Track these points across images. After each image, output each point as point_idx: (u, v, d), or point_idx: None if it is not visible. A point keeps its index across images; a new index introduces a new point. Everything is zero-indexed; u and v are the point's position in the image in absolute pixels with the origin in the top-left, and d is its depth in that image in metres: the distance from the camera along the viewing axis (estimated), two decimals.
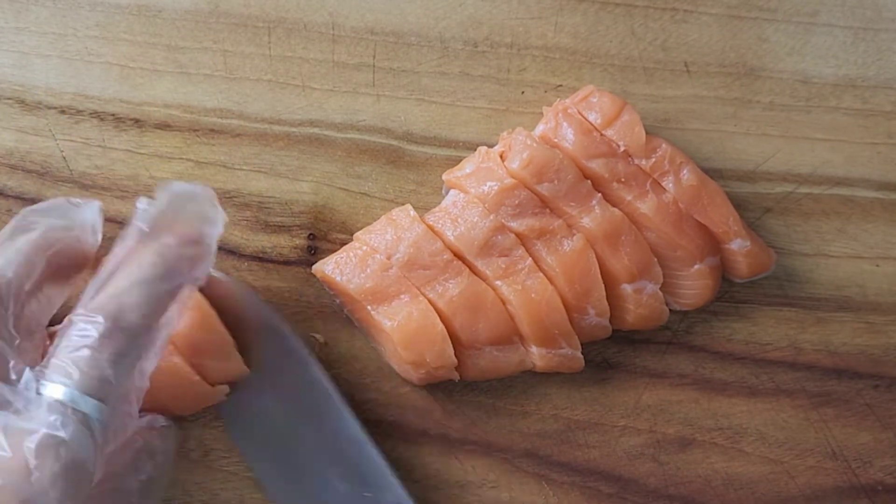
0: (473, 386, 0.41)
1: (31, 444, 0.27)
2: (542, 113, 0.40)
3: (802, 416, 0.41)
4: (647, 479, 0.41)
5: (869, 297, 0.41)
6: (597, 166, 0.37)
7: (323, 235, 0.41)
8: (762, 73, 0.41)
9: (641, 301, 0.38)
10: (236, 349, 0.37)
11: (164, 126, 0.41)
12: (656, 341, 0.41)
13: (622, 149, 0.38)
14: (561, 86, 0.41)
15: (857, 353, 0.41)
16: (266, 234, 0.41)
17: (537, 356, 0.38)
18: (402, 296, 0.37)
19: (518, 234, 0.37)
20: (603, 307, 0.37)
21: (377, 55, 0.41)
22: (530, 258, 0.37)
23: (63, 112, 0.41)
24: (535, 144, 0.37)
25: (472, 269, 0.37)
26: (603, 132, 0.38)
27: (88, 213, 0.34)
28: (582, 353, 0.38)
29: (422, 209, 0.41)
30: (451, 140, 0.41)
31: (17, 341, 0.30)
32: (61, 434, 0.27)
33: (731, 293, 0.41)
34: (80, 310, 0.30)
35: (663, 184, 0.38)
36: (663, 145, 0.38)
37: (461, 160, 0.40)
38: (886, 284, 0.41)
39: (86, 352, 0.29)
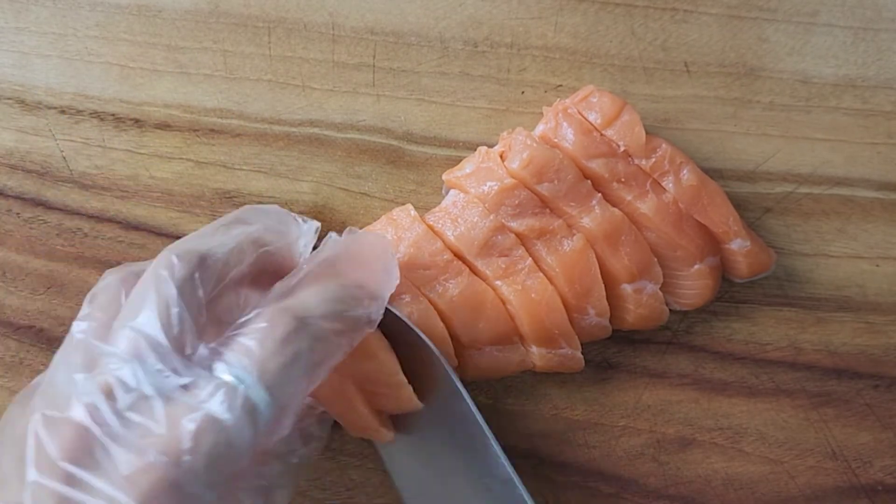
0: (473, 386, 0.41)
1: (190, 423, 0.26)
2: (542, 113, 0.40)
3: (802, 416, 0.41)
4: (647, 479, 0.41)
5: (869, 297, 0.41)
6: (597, 166, 0.37)
7: (323, 235, 0.41)
8: (762, 73, 0.41)
9: (641, 301, 0.38)
10: (408, 383, 0.36)
11: (164, 126, 0.41)
12: (656, 341, 0.41)
13: (622, 149, 0.38)
14: (561, 86, 0.41)
15: (857, 353, 0.41)
16: None
17: (537, 356, 0.38)
18: (403, 296, 0.37)
19: (518, 234, 0.37)
20: (603, 307, 0.37)
21: (377, 55, 0.41)
22: (530, 258, 0.37)
23: (63, 112, 0.41)
24: (534, 144, 0.37)
25: (473, 269, 0.37)
26: (603, 132, 0.38)
27: (305, 230, 0.34)
28: (582, 353, 0.38)
29: (422, 209, 0.41)
30: (451, 140, 0.41)
31: (204, 320, 0.29)
32: (225, 417, 0.26)
33: (731, 293, 0.41)
34: (268, 306, 0.30)
35: (663, 184, 0.38)
36: (663, 145, 0.38)
37: (461, 160, 0.40)
38: (886, 284, 0.41)
39: (269, 344, 0.28)
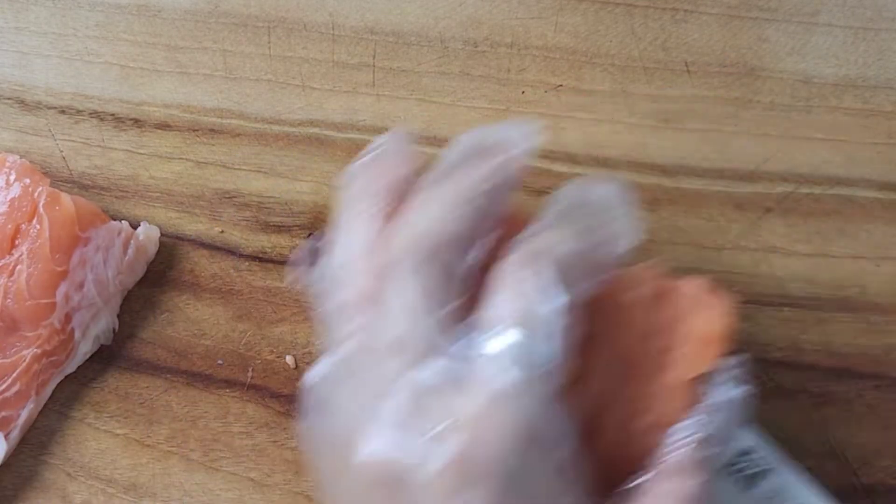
0: None
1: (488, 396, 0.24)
2: (542, 113, 0.40)
3: (803, 416, 0.41)
4: None
5: (870, 297, 0.41)
6: None
7: (323, 235, 0.41)
8: (762, 73, 0.41)
9: None
10: None
11: (163, 126, 0.41)
12: None
13: None
14: (561, 86, 0.41)
15: (858, 354, 0.41)
16: (266, 234, 0.41)
17: None
18: None
19: None
20: None
21: (377, 55, 0.41)
22: None
23: (63, 112, 0.41)
24: None
25: None
26: None
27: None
28: None
29: None
30: (451, 140, 0.41)
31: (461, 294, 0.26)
32: (523, 375, 0.24)
33: (731, 293, 0.41)
34: (517, 255, 0.26)
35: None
36: None
37: None
38: (887, 285, 0.41)
39: (532, 291, 0.25)
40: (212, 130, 0.41)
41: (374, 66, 0.41)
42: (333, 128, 0.41)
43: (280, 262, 0.41)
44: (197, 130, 0.41)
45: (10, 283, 0.36)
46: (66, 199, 0.37)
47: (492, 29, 0.41)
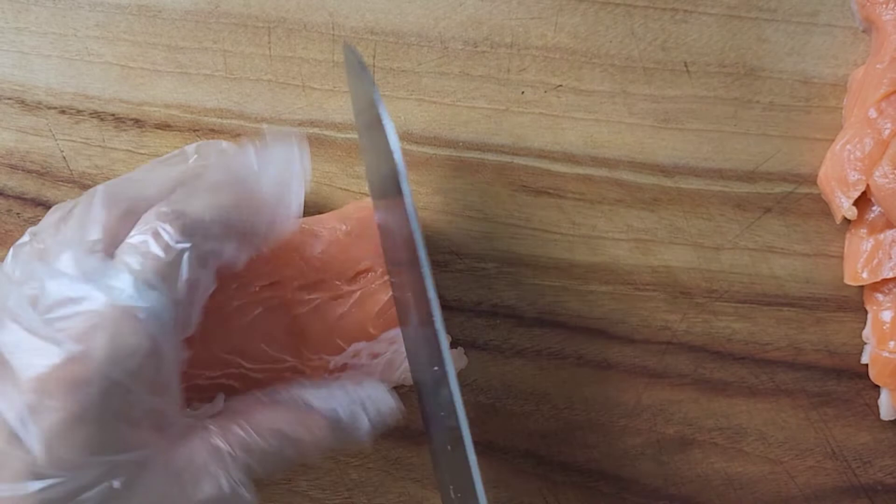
0: (473, 386, 0.41)
1: (96, 316, 0.28)
2: (542, 113, 0.40)
3: (802, 416, 0.41)
4: (647, 479, 0.41)
5: None
6: None
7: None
8: (762, 73, 0.41)
9: None
10: None
11: (164, 126, 0.41)
12: (656, 341, 0.41)
13: None
14: (561, 86, 0.41)
15: (857, 353, 0.41)
16: None
17: None
18: None
19: None
20: None
21: (377, 55, 0.41)
22: None
23: (63, 112, 0.41)
24: None
25: None
26: None
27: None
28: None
29: (422, 209, 0.41)
30: (451, 140, 0.41)
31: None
32: (130, 306, 0.28)
33: (731, 293, 0.41)
34: (157, 208, 0.31)
35: None
36: None
37: (461, 160, 0.40)
38: None
39: (156, 244, 0.30)
40: (212, 130, 0.41)
41: (374, 66, 0.41)
42: (333, 128, 0.41)
43: None
44: (197, 130, 0.41)
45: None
46: None
47: (492, 29, 0.41)
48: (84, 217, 0.31)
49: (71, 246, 0.30)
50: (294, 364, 0.37)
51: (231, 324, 0.37)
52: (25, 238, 0.32)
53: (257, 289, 0.37)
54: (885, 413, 0.40)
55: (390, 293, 0.37)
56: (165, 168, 0.34)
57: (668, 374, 0.41)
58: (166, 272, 0.29)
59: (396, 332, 0.37)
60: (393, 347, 0.37)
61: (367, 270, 0.38)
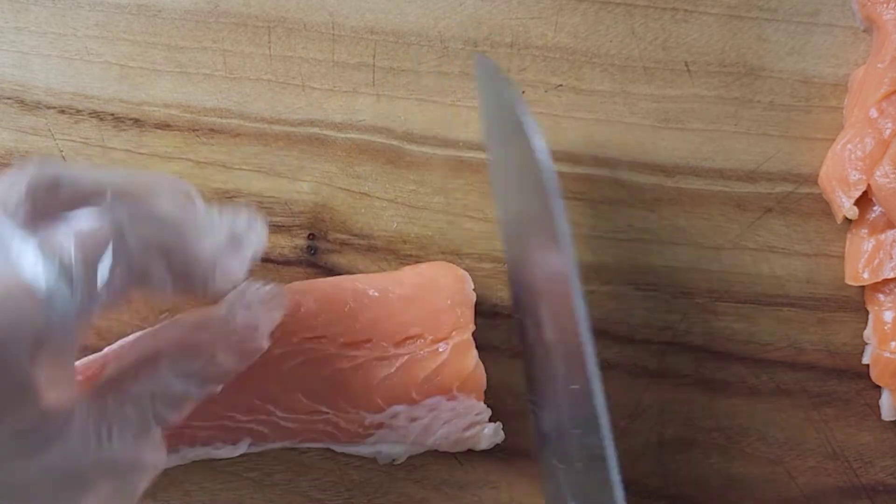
0: None
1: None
2: (542, 112, 0.40)
3: (803, 416, 0.41)
4: (647, 480, 0.40)
5: None
6: None
7: (323, 235, 0.41)
8: (762, 72, 0.41)
9: None
10: None
11: (163, 126, 0.41)
12: (656, 341, 0.41)
13: None
14: (561, 85, 0.41)
15: (858, 353, 0.41)
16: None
17: None
18: None
19: None
20: None
21: (377, 55, 0.41)
22: None
23: (62, 112, 0.41)
24: None
25: None
26: None
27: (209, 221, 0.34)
28: None
29: (422, 209, 0.41)
30: (451, 140, 0.41)
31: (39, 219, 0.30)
32: (38, 283, 0.27)
33: (730, 293, 0.41)
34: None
35: None
36: None
37: (461, 160, 0.40)
38: None
39: (86, 240, 0.29)
40: (212, 130, 0.41)
41: (374, 66, 0.41)
42: (333, 128, 0.41)
43: (280, 262, 0.41)
44: (197, 130, 0.41)
45: None
46: None
47: (492, 29, 0.41)
48: (12, 179, 0.30)
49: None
50: (329, 416, 0.37)
51: (268, 371, 0.36)
52: None
53: (299, 339, 0.37)
54: (886, 413, 0.40)
55: (439, 361, 0.37)
56: (111, 169, 0.34)
57: (668, 374, 0.41)
58: (86, 267, 0.29)
59: (438, 400, 0.37)
60: (432, 414, 0.37)
61: (416, 336, 0.38)
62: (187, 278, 0.32)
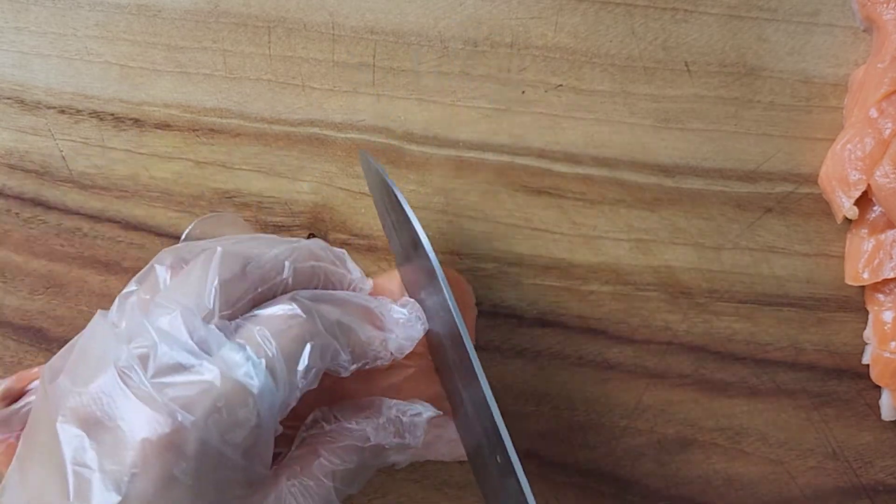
0: None
1: (211, 387, 0.28)
2: (542, 112, 0.40)
3: (803, 416, 0.41)
4: (647, 480, 0.40)
5: None
6: None
7: (323, 235, 0.41)
8: (763, 72, 0.41)
9: None
10: None
11: (163, 126, 0.41)
12: (656, 341, 0.41)
13: None
14: (561, 85, 0.41)
15: (858, 354, 0.41)
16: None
17: None
18: None
19: None
20: None
21: (377, 55, 0.41)
22: None
23: (62, 112, 0.41)
24: None
25: None
26: None
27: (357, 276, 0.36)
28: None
29: (421, 209, 0.41)
30: (451, 140, 0.41)
31: (237, 313, 0.31)
32: (248, 382, 0.29)
33: (731, 293, 0.41)
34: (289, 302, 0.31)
35: None
36: None
37: (461, 160, 0.40)
38: None
39: (283, 328, 0.30)
40: (212, 130, 0.41)
41: (374, 65, 0.41)
42: (333, 128, 0.41)
43: None
44: (197, 130, 0.41)
45: None
46: None
47: (492, 29, 0.41)
48: (200, 278, 0.30)
49: (185, 307, 0.30)
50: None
51: None
52: (131, 287, 0.32)
53: None
54: (886, 413, 0.40)
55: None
56: (277, 240, 0.34)
57: (668, 374, 0.41)
58: (287, 361, 0.30)
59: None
60: (435, 432, 0.37)
61: (421, 353, 0.37)
62: (363, 357, 0.33)
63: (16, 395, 0.35)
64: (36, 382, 0.35)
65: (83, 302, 0.41)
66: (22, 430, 0.34)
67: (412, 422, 0.35)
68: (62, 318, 0.41)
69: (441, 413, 0.36)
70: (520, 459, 0.41)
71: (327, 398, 0.36)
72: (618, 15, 0.41)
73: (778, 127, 0.41)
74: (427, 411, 0.35)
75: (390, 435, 0.34)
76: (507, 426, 0.40)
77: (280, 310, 0.31)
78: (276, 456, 0.32)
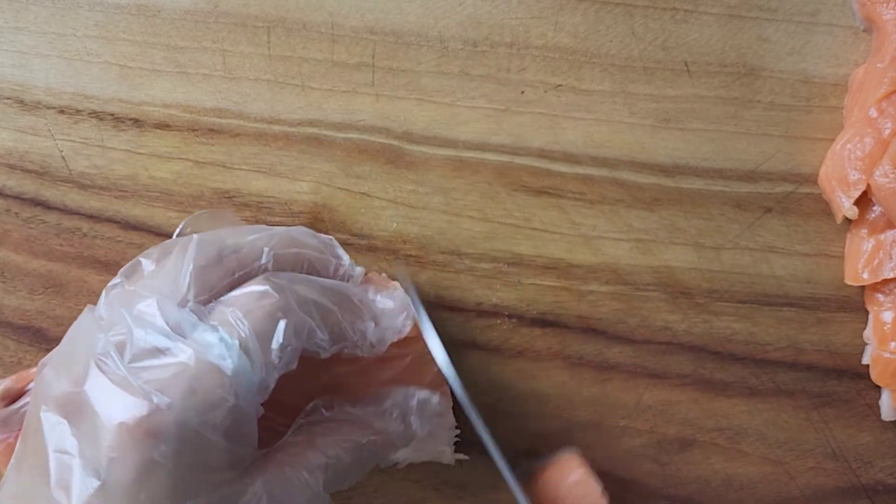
0: (473, 387, 0.40)
1: (187, 369, 0.29)
2: (542, 112, 0.40)
3: (803, 416, 0.41)
4: (647, 480, 0.40)
5: None
6: None
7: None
8: (762, 72, 0.41)
9: None
10: None
11: (163, 126, 0.41)
12: (656, 341, 0.41)
13: None
14: (561, 85, 0.41)
15: (858, 354, 0.41)
16: None
17: None
18: None
19: None
20: None
21: (377, 55, 0.41)
22: None
23: (62, 112, 0.41)
24: None
25: None
26: None
27: (347, 263, 0.36)
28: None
29: (421, 209, 0.41)
30: (451, 140, 0.41)
31: (212, 298, 0.31)
32: (222, 364, 0.29)
33: (731, 293, 0.41)
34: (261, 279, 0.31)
35: None
36: None
37: (461, 160, 0.40)
38: None
39: (257, 310, 0.30)
40: (211, 130, 0.41)
41: (373, 66, 0.41)
42: (333, 128, 0.41)
43: None
44: (196, 130, 0.41)
45: None
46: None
47: (492, 29, 0.41)
48: (176, 265, 0.31)
49: (161, 294, 0.30)
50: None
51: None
52: (117, 280, 0.32)
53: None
54: (886, 413, 0.40)
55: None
56: (258, 228, 0.34)
57: (668, 374, 0.41)
58: (261, 339, 0.30)
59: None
60: (435, 420, 0.37)
61: (416, 338, 0.36)
62: (342, 340, 0.33)
63: (15, 395, 0.35)
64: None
65: (83, 302, 0.41)
66: (21, 429, 0.34)
67: (420, 407, 0.35)
68: (61, 318, 0.41)
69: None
70: (520, 459, 0.41)
71: (327, 393, 0.36)
72: (618, 15, 0.41)
73: (778, 127, 0.41)
74: (434, 397, 0.35)
75: (396, 421, 0.34)
76: (507, 426, 0.41)
77: (252, 289, 0.31)
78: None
